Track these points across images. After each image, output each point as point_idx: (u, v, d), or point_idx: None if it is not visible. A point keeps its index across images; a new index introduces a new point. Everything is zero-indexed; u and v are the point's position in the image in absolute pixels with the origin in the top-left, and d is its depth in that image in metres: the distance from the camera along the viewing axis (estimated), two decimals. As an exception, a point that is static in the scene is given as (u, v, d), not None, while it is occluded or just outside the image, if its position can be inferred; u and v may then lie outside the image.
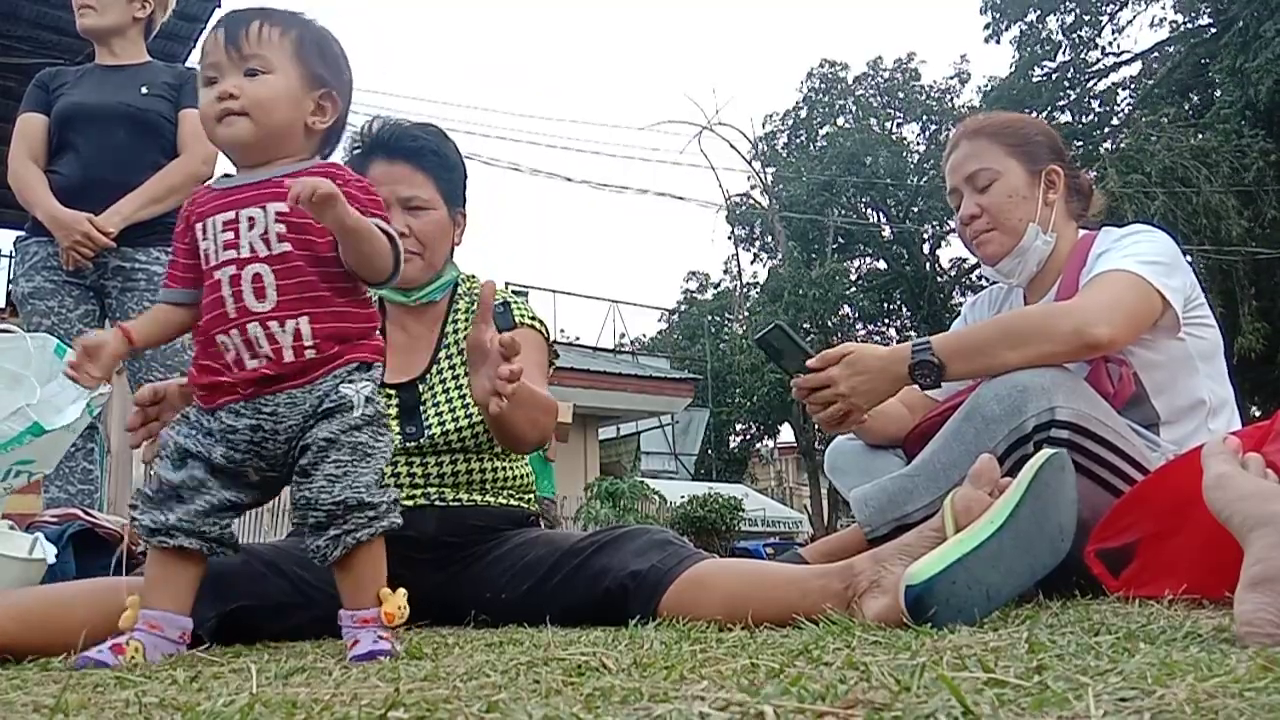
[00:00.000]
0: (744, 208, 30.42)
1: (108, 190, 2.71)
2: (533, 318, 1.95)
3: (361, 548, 1.31)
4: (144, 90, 2.83)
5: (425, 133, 1.91)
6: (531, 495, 1.96)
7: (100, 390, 2.17)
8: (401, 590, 1.34)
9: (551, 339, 1.98)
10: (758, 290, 29.45)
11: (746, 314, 28.53)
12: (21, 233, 2.80)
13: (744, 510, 15.07)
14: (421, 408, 1.84)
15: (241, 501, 1.37)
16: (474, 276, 2.02)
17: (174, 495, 1.33)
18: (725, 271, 33.12)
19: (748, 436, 30.70)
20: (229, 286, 1.32)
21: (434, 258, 1.87)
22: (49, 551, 1.71)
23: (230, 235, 1.33)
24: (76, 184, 2.71)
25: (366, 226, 1.31)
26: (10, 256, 2.93)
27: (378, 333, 1.41)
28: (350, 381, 1.34)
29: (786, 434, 28.35)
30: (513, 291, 2.08)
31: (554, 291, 20.16)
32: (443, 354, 1.90)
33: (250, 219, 1.32)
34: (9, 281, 2.92)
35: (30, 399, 1.95)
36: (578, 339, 23.35)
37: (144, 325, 1.42)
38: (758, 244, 30.90)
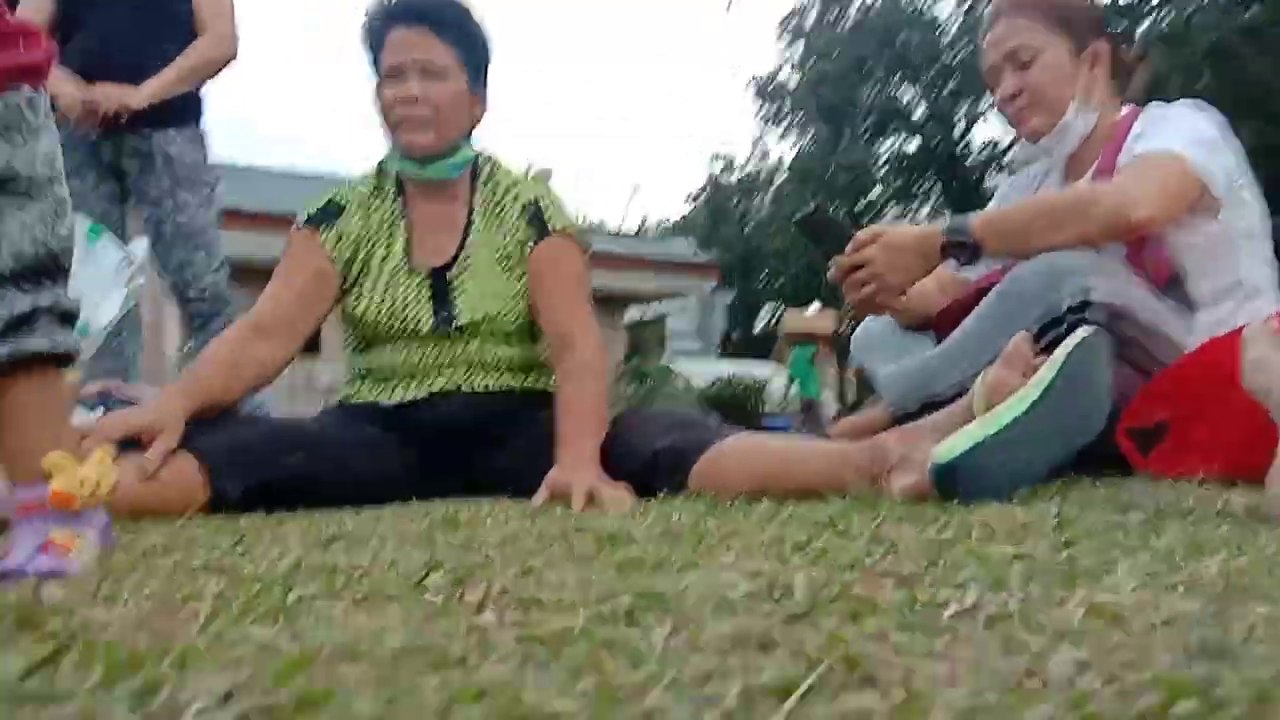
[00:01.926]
0: (772, 85, 29.57)
1: (121, 71, 2.66)
2: (564, 225, 1.88)
3: (15, 380, 0.89)
4: None
5: (450, 4, 1.84)
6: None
7: (137, 281, 2.19)
8: (99, 454, 0.95)
9: (587, 247, 1.93)
10: (786, 171, 28.90)
11: (771, 195, 28.10)
12: None
13: (770, 390, 15.17)
14: (452, 293, 1.84)
15: None
16: (494, 157, 1.97)
17: None
18: (752, 153, 32.43)
19: (773, 318, 30.69)
20: None
21: (446, 129, 1.82)
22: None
23: None
24: (87, 62, 2.66)
25: None
26: None
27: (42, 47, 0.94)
28: None
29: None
30: (537, 174, 2.03)
31: (576, 173, 19.87)
32: (470, 239, 1.88)
33: None
34: None
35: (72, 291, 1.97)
36: (601, 221, 23.19)
37: None
38: (785, 122, 30.15)
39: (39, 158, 0.91)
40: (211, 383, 1.62)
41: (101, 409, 1.77)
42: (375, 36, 1.82)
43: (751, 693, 0.43)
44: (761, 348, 28.52)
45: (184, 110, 2.77)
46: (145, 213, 2.74)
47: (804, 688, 0.43)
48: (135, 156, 2.72)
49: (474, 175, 1.93)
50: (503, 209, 1.89)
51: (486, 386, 1.85)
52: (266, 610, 0.64)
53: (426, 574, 0.79)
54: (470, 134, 1.91)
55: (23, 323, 0.87)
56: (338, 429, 1.78)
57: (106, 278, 2.00)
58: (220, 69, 2.82)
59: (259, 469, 1.54)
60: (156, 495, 1.40)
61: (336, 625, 0.59)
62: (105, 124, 2.63)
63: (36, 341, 0.88)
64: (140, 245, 2.28)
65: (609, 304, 15.46)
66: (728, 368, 16.26)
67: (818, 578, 0.72)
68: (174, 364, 7.69)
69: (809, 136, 27.44)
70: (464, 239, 1.88)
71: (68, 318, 0.92)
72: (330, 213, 1.86)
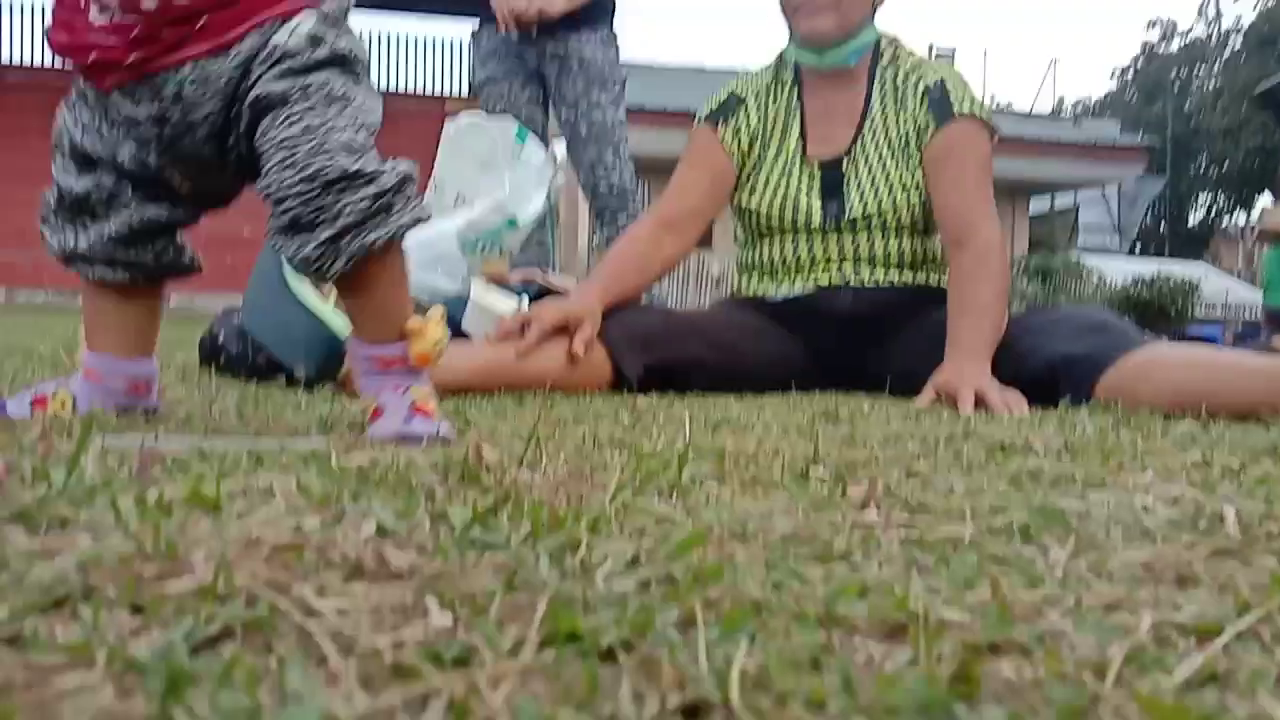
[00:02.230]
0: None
1: None
2: (971, 104, 1.76)
3: (374, 261, 0.94)
4: None
5: None
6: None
7: (558, 181, 2.41)
8: (436, 318, 1.00)
9: (994, 130, 1.79)
10: (1242, 35, 24.53)
11: (1223, 62, 24.04)
12: (476, 25, 3.08)
13: (1201, 293, 13.32)
14: (844, 185, 1.80)
15: (174, 219, 1.04)
16: (896, 40, 1.87)
17: (82, 209, 1.01)
18: (1199, 15, 27.83)
19: (1213, 211, 26.69)
20: None
21: (849, 11, 1.75)
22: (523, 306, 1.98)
23: None
24: None
25: None
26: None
27: None
28: (283, 29, 0.94)
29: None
30: (937, 55, 1.90)
31: (983, 52, 18.35)
32: (866, 128, 1.82)
33: None
34: (470, 71, 3.23)
35: (501, 189, 2.22)
36: (1009, 105, 21.35)
37: None
38: (1247, -24, 25.43)
39: (359, 44, 0.99)
40: (624, 278, 1.74)
41: (526, 295, 1.98)
42: None
43: (1165, 629, 0.39)
44: (1192, 246, 25.07)
45: (597, 13, 2.93)
46: (562, 113, 2.97)
47: (1232, 631, 0.38)
48: (554, 60, 2.94)
49: (875, 60, 1.85)
50: (903, 94, 1.80)
51: (876, 281, 1.81)
52: (663, 485, 0.69)
53: (809, 465, 0.80)
54: (873, 15, 1.82)
55: (393, 195, 0.94)
56: (727, 319, 1.84)
57: (532, 177, 2.22)
58: None
59: (656, 353, 1.65)
60: (572, 373, 1.56)
61: (725, 506, 0.63)
62: (526, 28, 2.85)
63: (407, 217, 0.95)
64: (560, 147, 2.49)
65: (1013, 193, 14.36)
66: (1149, 266, 14.47)
67: (1253, 509, 0.63)
68: (585, 254, 8.42)
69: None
70: (860, 127, 1.82)
71: (408, 180, 0.97)
72: (729, 107, 1.89)
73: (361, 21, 12.59)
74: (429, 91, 12.12)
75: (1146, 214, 21.48)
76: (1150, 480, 0.77)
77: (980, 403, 1.43)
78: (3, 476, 0.58)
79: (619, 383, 1.61)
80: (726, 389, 1.69)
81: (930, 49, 17.79)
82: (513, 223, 2.20)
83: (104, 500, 0.52)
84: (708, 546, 0.49)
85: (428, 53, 12.54)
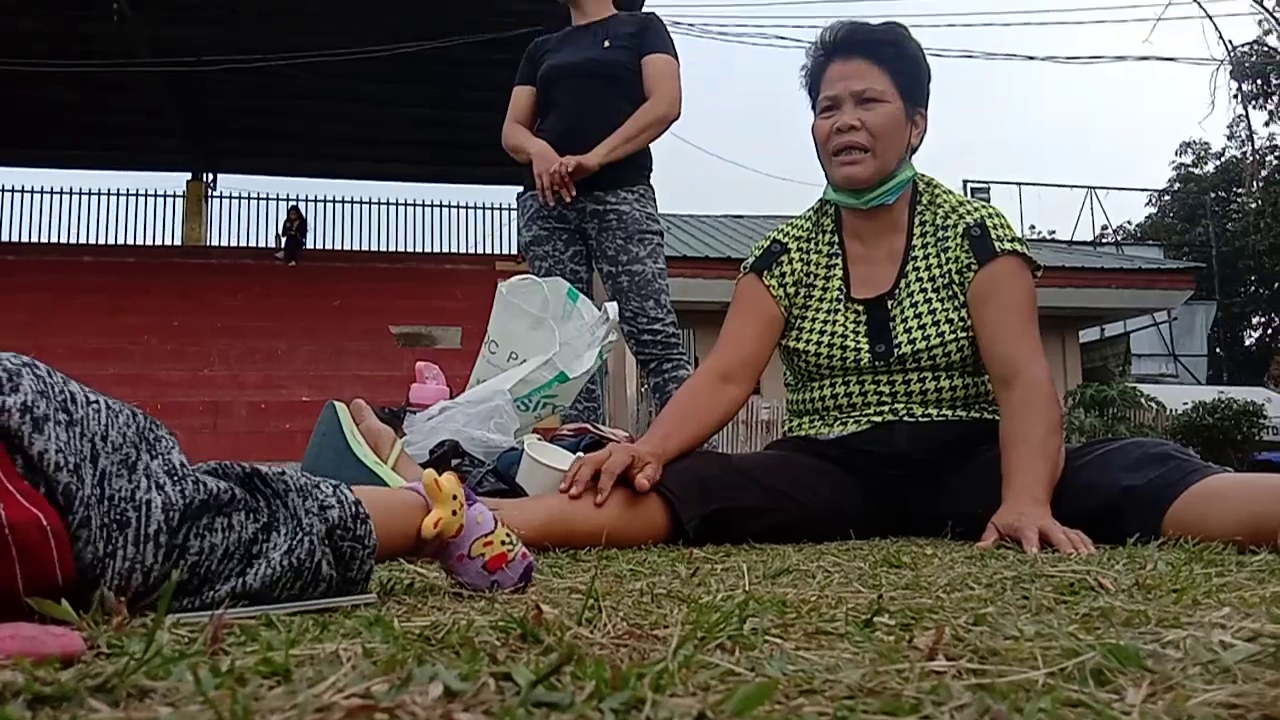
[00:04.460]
0: (1253, 58, 25.53)
1: (583, 140, 3.00)
2: (1011, 240, 1.79)
3: None
4: (605, 44, 3.09)
5: (883, 29, 1.85)
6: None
7: (610, 339, 2.48)
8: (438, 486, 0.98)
9: (1037, 267, 1.81)
10: (1275, 156, 24.74)
11: (1261, 183, 24.15)
12: (521, 189, 3.23)
13: (1265, 417, 12.95)
14: (890, 324, 1.83)
15: None
16: (933, 180, 1.93)
17: None
18: (1229, 137, 28.17)
19: (1268, 331, 26.26)
20: None
21: (886, 154, 1.81)
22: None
23: None
24: (556, 137, 3.04)
25: None
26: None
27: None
28: None
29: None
30: (973, 191, 1.96)
31: (1017, 184, 18.76)
32: (909, 268, 1.85)
33: None
34: (517, 232, 3.36)
35: (553, 346, 2.29)
36: (1052, 233, 21.50)
37: None
38: (1275, 99, 25.85)
39: None
40: (685, 430, 1.74)
41: (579, 449, 2.00)
42: (814, 76, 1.88)
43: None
44: (1251, 369, 24.56)
45: (635, 171, 3.06)
46: (604, 268, 3.06)
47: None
48: (594, 217, 3.06)
49: (914, 200, 1.90)
50: (944, 235, 1.84)
51: (929, 417, 1.80)
52: (725, 639, 0.68)
53: (874, 614, 0.79)
54: (909, 157, 1.89)
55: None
56: (783, 462, 1.84)
57: (584, 334, 2.29)
58: (664, 128, 3.07)
59: (713, 502, 1.64)
60: (628, 525, 1.55)
61: (789, 658, 0.62)
62: (564, 188, 2.94)
63: None
64: (612, 307, 2.56)
65: (1062, 322, 14.29)
66: (1208, 391, 14.15)
67: (1341, 646, 0.61)
68: (634, 403, 8.49)
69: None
70: (903, 267, 1.86)
71: None
72: (773, 254, 1.94)
73: (416, 189, 13.31)
74: (480, 251, 12.63)
75: (1205, 338, 21.17)
76: (1227, 615, 0.75)
77: (1045, 542, 1.40)
78: (81, 650, 0.60)
79: (675, 532, 1.60)
80: (784, 536, 1.67)
81: (965, 185, 18.18)
82: (563, 377, 2.25)
83: (180, 670, 0.53)
84: (774, 701, 0.49)
85: (478, 216, 13.14)
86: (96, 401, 0.75)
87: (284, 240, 11.60)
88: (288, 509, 0.84)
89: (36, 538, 0.65)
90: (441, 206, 13.26)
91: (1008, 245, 1.78)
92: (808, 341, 1.88)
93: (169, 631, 0.68)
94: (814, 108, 1.88)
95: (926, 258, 1.84)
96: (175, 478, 0.77)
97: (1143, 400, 13.05)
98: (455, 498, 1.00)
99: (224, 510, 0.80)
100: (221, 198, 12.87)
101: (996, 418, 1.76)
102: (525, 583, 0.99)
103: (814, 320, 1.89)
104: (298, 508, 0.84)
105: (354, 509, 0.88)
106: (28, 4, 8.32)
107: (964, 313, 1.79)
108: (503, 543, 0.99)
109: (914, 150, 1.88)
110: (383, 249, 12.83)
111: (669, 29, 3.17)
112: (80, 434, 0.71)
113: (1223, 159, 27.86)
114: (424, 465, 1.70)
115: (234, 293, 9.85)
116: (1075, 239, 19.89)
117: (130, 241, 12.47)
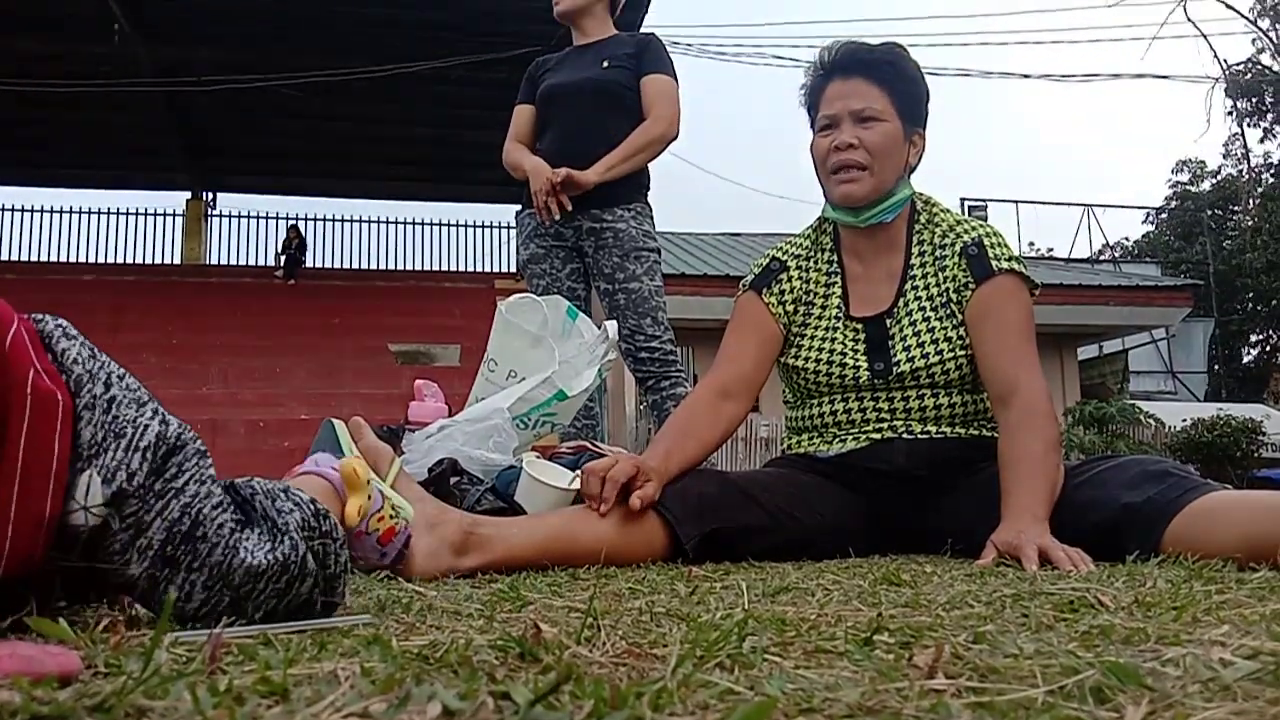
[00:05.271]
0: (1248, 76, 25.70)
1: (582, 159, 3.01)
2: (1009, 259, 1.80)
3: None
4: (605, 64, 3.10)
5: (882, 48, 1.86)
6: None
7: (609, 357, 2.49)
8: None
9: (1034, 285, 1.82)
10: (1271, 173, 24.86)
11: (1257, 201, 24.26)
12: (519, 207, 3.24)
13: (1264, 434, 12.95)
14: (889, 342, 1.83)
15: None
16: (931, 199, 1.94)
17: None
18: (1226, 155, 28.30)
19: (1266, 348, 26.29)
20: None
21: (883, 173, 1.82)
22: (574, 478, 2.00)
23: None
24: (554, 155, 3.05)
25: None
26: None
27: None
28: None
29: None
30: (970, 208, 1.97)
31: (1014, 202, 18.83)
32: (907, 287, 1.86)
33: None
34: (515, 250, 3.37)
35: (552, 364, 2.29)
36: (1050, 251, 21.56)
37: None
38: (1270, 117, 26.02)
39: None
40: (685, 448, 1.73)
41: (578, 466, 2.00)
42: (813, 94, 1.89)
43: (1255, 796, 0.38)
44: (1250, 386, 24.59)
45: (631, 189, 3.06)
46: (600, 286, 3.06)
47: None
48: (590, 235, 3.06)
49: (912, 218, 1.91)
50: (942, 254, 1.85)
51: (929, 434, 1.80)
52: (724, 658, 0.68)
53: (873, 632, 0.79)
54: (908, 175, 1.90)
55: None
56: (782, 479, 1.84)
57: (583, 353, 2.29)
58: (663, 148, 3.08)
59: (712, 520, 1.64)
60: (627, 544, 1.55)
61: (789, 677, 0.62)
62: (554, 194, 2.92)
63: None
64: (612, 326, 2.56)
65: (1060, 339, 14.31)
66: (1207, 408, 14.15)
67: (1341, 664, 0.61)
68: (632, 419, 8.48)
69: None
70: (901, 286, 1.86)
71: None
72: (772, 272, 1.94)
73: (415, 208, 13.35)
74: (479, 269, 12.66)
75: (1205, 354, 21.20)
76: (1226, 633, 0.74)
77: (1044, 560, 1.39)
78: (79, 669, 0.60)
79: (675, 551, 1.60)
80: (784, 554, 1.67)
81: (962, 203, 18.23)
82: (562, 395, 2.25)
83: (178, 690, 0.53)
84: (773, 720, 0.49)
85: (477, 234, 13.18)
86: (123, 369, 0.83)
87: (283, 259, 11.62)
88: (256, 510, 0.88)
89: (50, 408, 0.75)
90: (440, 225, 13.30)
91: (1005, 264, 1.79)
92: (807, 359, 1.88)
93: (167, 650, 0.67)
94: (813, 126, 1.89)
95: (925, 276, 1.85)
96: (177, 422, 0.83)
97: (1141, 417, 13.05)
98: (369, 482, 1.05)
99: (212, 476, 0.84)
100: (221, 216, 12.92)
101: (995, 435, 1.76)
102: (404, 550, 1.07)
103: (813, 338, 1.89)
104: (268, 509, 0.88)
105: (312, 506, 0.90)
106: (29, 24, 8.36)
107: (962, 331, 1.80)
108: (390, 516, 1.04)
109: (912, 170, 1.89)
110: (382, 267, 12.86)
111: (668, 49, 3.18)
112: (100, 365, 0.81)
113: (1219, 177, 27.99)
114: (423, 483, 1.69)
115: (233, 311, 9.87)
116: (1073, 256, 19.94)
117: (130, 260, 12.50)
